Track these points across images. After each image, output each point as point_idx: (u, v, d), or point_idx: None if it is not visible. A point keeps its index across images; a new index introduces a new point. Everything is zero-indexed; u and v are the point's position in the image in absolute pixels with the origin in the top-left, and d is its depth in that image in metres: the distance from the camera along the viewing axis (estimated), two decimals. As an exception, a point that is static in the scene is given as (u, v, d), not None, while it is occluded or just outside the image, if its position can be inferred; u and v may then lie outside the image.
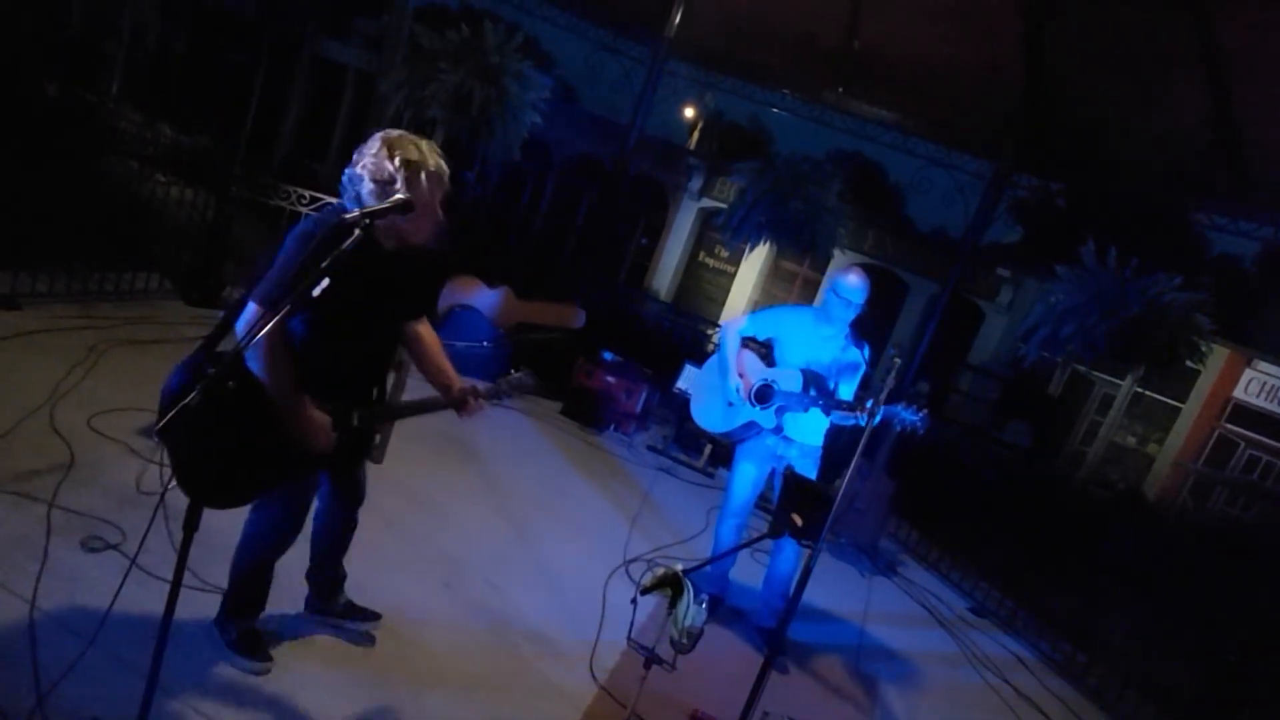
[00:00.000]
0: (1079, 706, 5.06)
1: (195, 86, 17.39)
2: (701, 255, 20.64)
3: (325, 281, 2.19)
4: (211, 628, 2.86)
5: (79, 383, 4.29)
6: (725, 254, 19.67)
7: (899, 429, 3.66)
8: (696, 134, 20.19)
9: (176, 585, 1.98)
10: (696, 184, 19.84)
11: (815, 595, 5.14)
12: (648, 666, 2.88)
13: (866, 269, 4.24)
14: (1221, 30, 6.82)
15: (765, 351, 4.37)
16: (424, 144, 2.47)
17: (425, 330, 2.86)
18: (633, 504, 5.69)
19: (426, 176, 2.43)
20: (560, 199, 20.89)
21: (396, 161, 2.37)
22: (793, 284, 19.65)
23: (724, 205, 17.06)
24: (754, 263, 19.05)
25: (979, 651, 5.27)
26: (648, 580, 2.91)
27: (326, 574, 3.12)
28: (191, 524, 1.98)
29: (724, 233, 15.83)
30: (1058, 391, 14.90)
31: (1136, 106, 8.14)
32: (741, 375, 4.24)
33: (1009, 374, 15.71)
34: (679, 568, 2.90)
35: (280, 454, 2.52)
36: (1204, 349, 12.60)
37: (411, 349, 2.87)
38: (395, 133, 2.45)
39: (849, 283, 4.03)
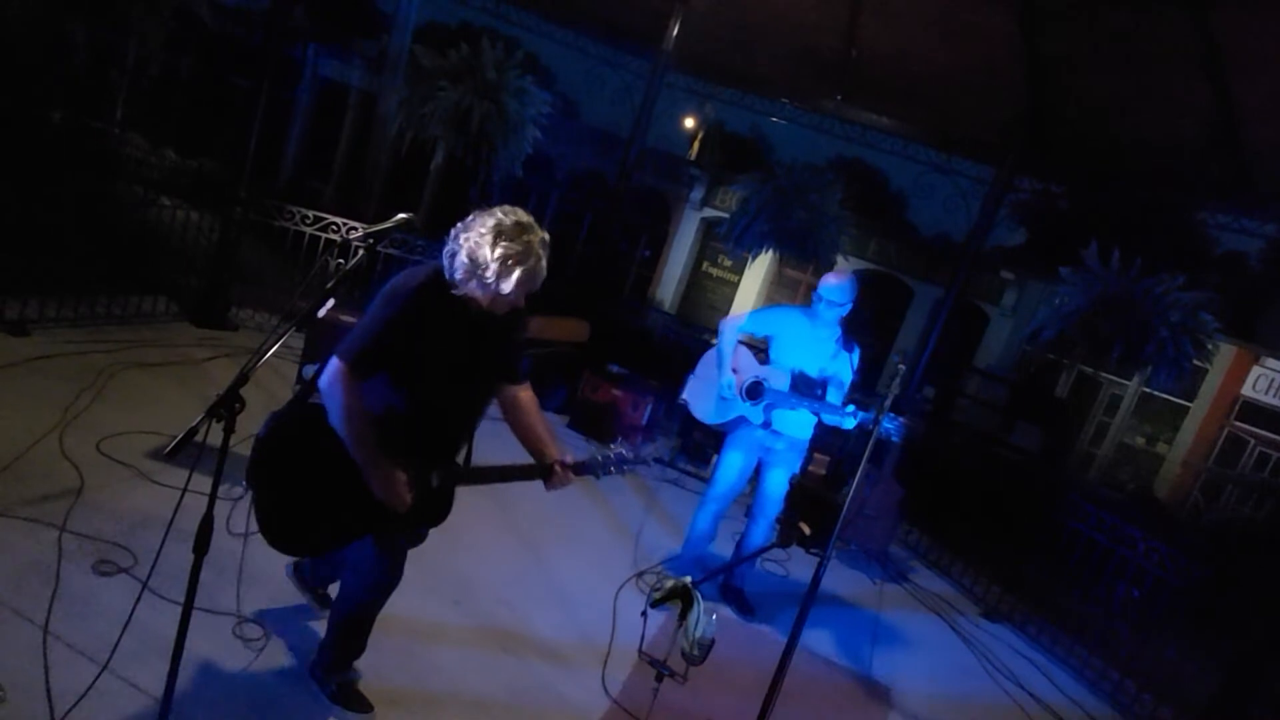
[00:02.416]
0: (1096, 710, 5.03)
1: (198, 110, 17.54)
2: (705, 265, 20.69)
3: (330, 302, 2.23)
4: (226, 656, 2.87)
5: (88, 407, 4.32)
6: (728, 263, 19.70)
7: (883, 435, 3.73)
8: (697, 145, 20.25)
9: (188, 609, 1.99)
10: (698, 194, 19.91)
11: (826, 603, 5.13)
12: (659, 679, 2.88)
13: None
14: (1221, 28, 6.83)
15: (761, 349, 4.56)
16: (535, 237, 2.39)
17: (525, 395, 2.77)
18: (641, 517, 5.68)
19: (520, 276, 2.36)
20: (563, 213, 20.97)
21: (496, 253, 2.32)
22: (796, 291, 19.66)
23: (726, 215, 17.09)
24: (757, 271, 19.09)
25: (993, 657, 5.24)
26: (658, 593, 2.91)
27: (333, 574, 3.14)
28: (201, 548, 1.99)
29: (727, 242, 15.87)
30: (1065, 393, 14.86)
31: (1137, 106, 8.13)
32: (735, 371, 4.45)
33: (1015, 377, 15.67)
34: (688, 580, 2.91)
35: (360, 508, 2.52)
36: (1211, 347, 12.57)
37: (507, 413, 2.78)
38: (510, 220, 2.37)
39: (828, 283, 4.28)
